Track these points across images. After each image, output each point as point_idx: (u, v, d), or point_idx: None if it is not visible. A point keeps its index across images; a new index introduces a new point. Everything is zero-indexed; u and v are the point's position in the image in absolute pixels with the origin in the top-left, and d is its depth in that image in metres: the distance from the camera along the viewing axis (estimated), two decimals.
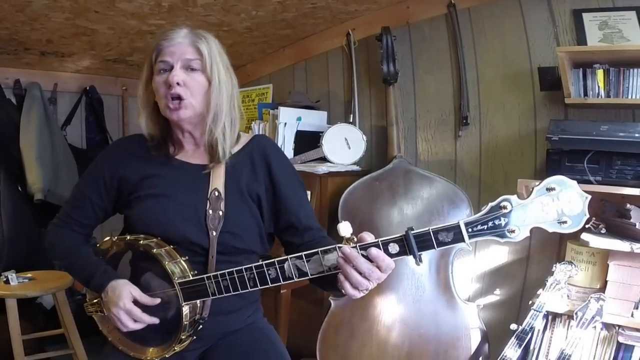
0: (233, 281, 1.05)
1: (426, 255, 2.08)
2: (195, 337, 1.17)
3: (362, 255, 0.92)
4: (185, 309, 1.10)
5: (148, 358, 1.17)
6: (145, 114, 1.24)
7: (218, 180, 1.22)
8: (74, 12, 2.27)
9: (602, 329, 1.76)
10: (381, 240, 0.92)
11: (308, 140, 2.57)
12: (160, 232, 1.17)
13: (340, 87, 2.81)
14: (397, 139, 2.41)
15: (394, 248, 0.91)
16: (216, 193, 1.20)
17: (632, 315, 1.71)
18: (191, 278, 1.11)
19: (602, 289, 1.79)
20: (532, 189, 0.85)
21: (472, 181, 2.34)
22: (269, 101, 3.03)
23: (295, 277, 0.99)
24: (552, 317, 1.87)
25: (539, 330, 1.85)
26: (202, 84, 1.18)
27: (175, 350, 1.14)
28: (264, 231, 1.27)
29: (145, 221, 1.19)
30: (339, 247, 0.95)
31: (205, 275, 1.09)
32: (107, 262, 1.22)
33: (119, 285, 1.13)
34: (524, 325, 1.79)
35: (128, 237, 1.19)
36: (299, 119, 2.65)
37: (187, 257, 1.15)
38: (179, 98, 1.15)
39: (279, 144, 2.60)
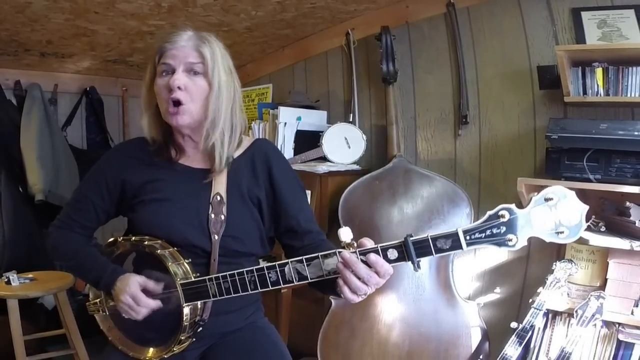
0: (234, 283, 1.06)
1: None
2: (194, 339, 1.17)
3: (362, 260, 0.93)
4: (186, 310, 1.11)
5: (147, 358, 1.18)
6: (148, 116, 1.24)
7: (220, 185, 1.22)
8: (74, 13, 2.27)
9: (602, 326, 1.76)
10: (380, 246, 0.93)
11: (308, 140, 2.58)
12: (164, 236, 1.18)
13: (339, 86, 2.81)
14: (396, 138, 2.41)
15: (392, 254, 0.92)
16: (218, 197, 1.21)
17: (632, 313, 1.71)
18: (193, 279, 1.11)
19: (602, 286, 1.80)
20: (531, 198, 0.86)
21: (471, 180, 2.34)
22: (269, 101, 3.03)
23: (295, 280, 1.00)
24: (552, 315, 1.87)
25: (539, 328, 1.86)
26: (203, 88, 1.18)
27: (174, 351, 1.15)
28: (264, 234, 1.27)
29: (148, 225, 1.20)
30: (339, 252, 0.95)
31: (206, 277, 1.09)
32: (112, 262, 1.23)
33: (126, 277, 1.14)
34: (524, 323, 1.79)
35: (133, 238, 1.20)
36: (299, 118, 2.65)
37: (190, 260, 1.16)
38: (178, 103, 1.15)
39: (279, 144, 2.60)
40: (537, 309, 1.78)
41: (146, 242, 1.16)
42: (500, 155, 2.26)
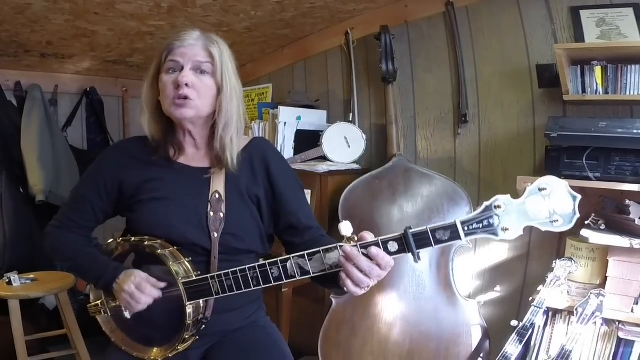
0: (237, 280, 1.07)
1: (427, 253, 2.11)
2: (198, 337, 1.18)
3: (363, 253, 0.94)
4: (189, 309, 1.11)
5: (152, 358, 1.18)
6: (148, 112, 1.24)
7: (219, 183, 1.23)
8: (73, 14, 2.28)
9: (602, 324, 1.76)
10: (381, 239, 0.94)
11: (308, 140, 2.58)
12: (163, 235, 1.18)
13: (339, 86, 2.82)
14: (396, 137, 2.42)
15: (393, 246, 0.94)
16: (217, 195, 1.21)
17: (632, 311, 1.72)
18: (194, 278, 1.12)
19: (602, 284, 1.80)
20: (525, 189, 0.88)
21: (471, 179, 2.35)
22: (269, 101, 3.04)
23: (298, 275, 1.01)
24: (552, 313, 1.87)
25: (539, 326, 1.86)
26: (210, 87, 1.19)
27: (178, 349, 1.15)
28: (264, 232, 1.28)
29: (147, 224, 1.20)
30: (340, 246, 0.97)
31: (209, 275, 1.10)
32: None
33: (130, 270, 1.15)
34: (524, 321, 1.79)
35: (133, 239, 1.20)
36: (299, 118, 2.66)
37: (190, 258, 1.16)
38: (186, 98, 1.16)
39: (279, 144, 2.61)
40: (538, 307, 1.79)
41: (146, 242, 1.16)
42: (499, 154, 2.27)
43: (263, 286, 1.06)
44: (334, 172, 2.43)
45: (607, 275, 1.78)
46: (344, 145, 2.50)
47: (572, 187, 0.88)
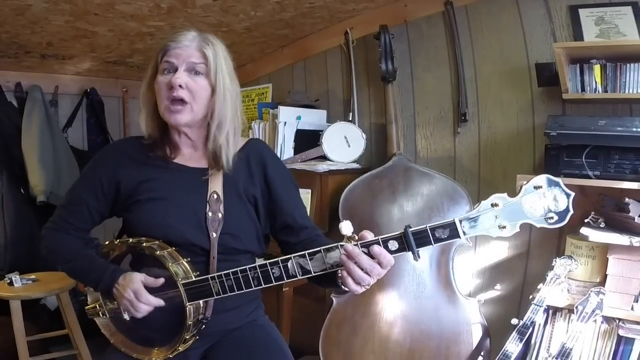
0: (237, 281, 1.07)
1: (427, 251, 2.12)
2: (198, 337, 1.18)
3: (364, 252, 0.96)
4: (189, 309, 1.11)
5: (152, 359, 1.19)
6: (146, 112, 1.25)
7: (216, 184, 1.23)
8: (73, 14, 2.28)
9: (602, 322, 1.77)
10: (381, 238, 0.96)
11: (308, 139, 2.58)
12: (161, 235, 1.18)
13: (339, 85, 2.82)
14: (396, 136, 2.42)
15: (393, 245, 0.96)
16: (215, 196, 1.22)
17: (632, 309, 1.72)
18: (195, 279, 1.12)
19: (602, 282, 1.80)
20: (521, 187, 0.91)
21: (471, 177, 2.35)
22: (269, 101, 3.04)
23: (299, 275, 1.02)
24: (552, 312, 1.87)
25: (539, 324, 1.86)
26: (204, 88, 1.19)
27: (179, 350, 1.16)
28: (260, 232, 1.29)
29: (145, 224, 1.20)
30: (341, 245, 0.98)
31: (209, 276, 1.10)
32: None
33: (129, 274, 1.15)
34: (524, 319, 1.80)
35: (130, 240, 1.20)
36: (299, 117, 2.66)
37: (189, 259, 1.16)
38: (181, 101, 1.16)
39: (279, 143, 2.61)
40: (538, 306, 1.79)
41: (144, 244, 1.16)
42: (499, 153, 2.27)
43: (264, 286, 1.06)
44: (334, 171, 2.43)
45: (607, 273, 1.78)
46: (343, 144, 2.51)
47: (572, 186, 0.90)
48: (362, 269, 0.96)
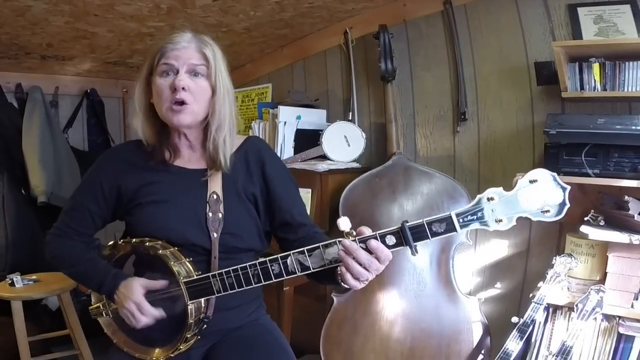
0: (238, 278, 1.08)
1: (427, 250, 2.12)
2: (199, 337, 1.19)
3: (362, 247, 0.97)
4: (191, 308, 1.12)
5: (154, 358, 1.19)
6: (141, 115, 1.25)
7: (216, 184, 1.24)
8: (73, 15, 2.29)
9: (602, 320, 1.77)
10: (379, 233, 0.97)
11: (308, 139, 2.59)
12: (163, 236, 1.19)
13: (338, 85, 2.83)
14: (396, 135, 2.43)
15: (390, 240, 0.97)
16: (215, 196, 1.22)
17: (632, 306, 1.72)
18: (196, 277, 1.13)
19: (602, 280, 1.80)
20: (517, 181, 0.91)
21: (471, 176, 2.36)
22: (269, 100, 3.04)
23: (298, 271, 1.03)
24: (552, 310, 1.88)
25: (540, 322, 1.87)
26: (205, 90, 1.19)
27: (180, 349, 1.16)
28: (262, 230, 1.30)
29: (147, 226, 1.21)
30: (340, 241, 0.98)
31: (210, 274, 1.11)
32: (113, 265, 1.24)
33: (129, 282, 1.16)
34: (525, 318, 1.80)
35: (133, 240, 1.21)
36: (299, 117, 2.67)
37: (191, 258, 1.17)
38: (183, 103, 1.16)
39: (279, 143, 2.61)
40: (538, 304, 1.79)
41: (147, 244, 1.17)
42: (498, 151, 2.27)
43: (264, 283, 1.07)
44: (334, 170, 2.44)
45: (606, 271, 1.78)
46: (343, 144, 2.51)
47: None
48: (360, 264, 0.96)
